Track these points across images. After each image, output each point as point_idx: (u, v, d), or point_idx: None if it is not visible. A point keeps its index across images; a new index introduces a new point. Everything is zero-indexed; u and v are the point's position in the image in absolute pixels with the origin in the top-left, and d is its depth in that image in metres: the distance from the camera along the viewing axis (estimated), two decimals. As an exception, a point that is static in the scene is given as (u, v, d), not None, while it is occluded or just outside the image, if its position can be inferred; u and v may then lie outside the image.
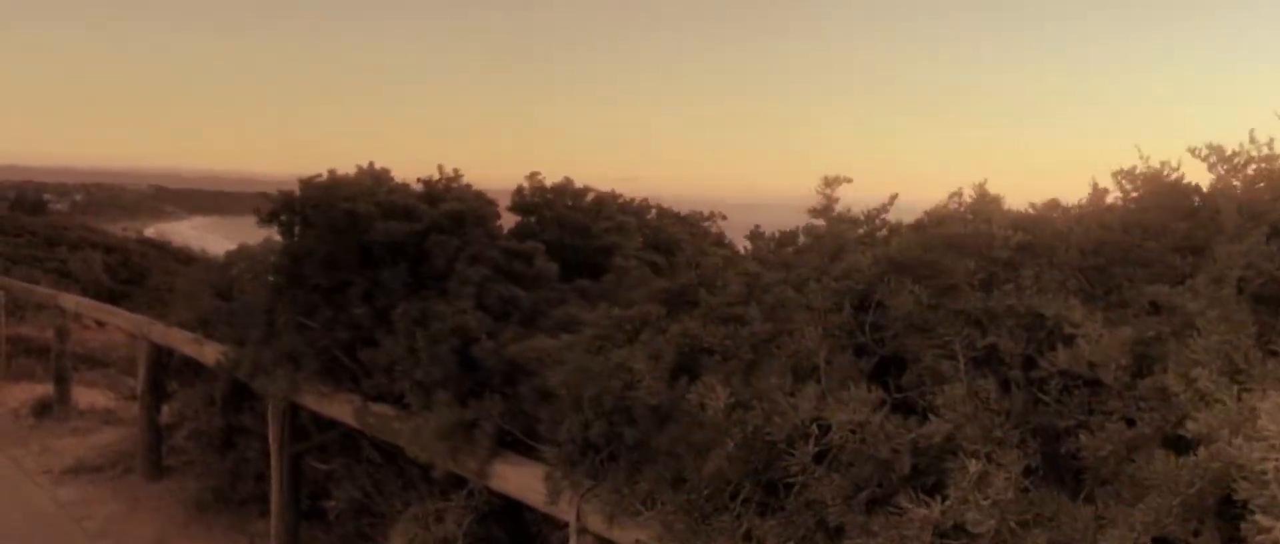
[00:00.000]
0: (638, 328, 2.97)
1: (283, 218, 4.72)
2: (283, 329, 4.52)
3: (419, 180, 4.49)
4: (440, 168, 4.52)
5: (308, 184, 4.47)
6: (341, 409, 4.40)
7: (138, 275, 19.60)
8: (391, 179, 4.65)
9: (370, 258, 4.04)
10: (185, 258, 28.59)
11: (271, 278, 5.16)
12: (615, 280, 4.05)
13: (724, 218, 7.03)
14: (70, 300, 9.06)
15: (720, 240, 6.91)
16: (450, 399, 3.51)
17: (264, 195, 4.89)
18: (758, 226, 3.25)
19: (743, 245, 7.01)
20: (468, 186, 4.55)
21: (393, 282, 3.83)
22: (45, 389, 10.75)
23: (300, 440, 4.99)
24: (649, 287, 3.29)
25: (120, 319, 7.63)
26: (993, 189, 2.79)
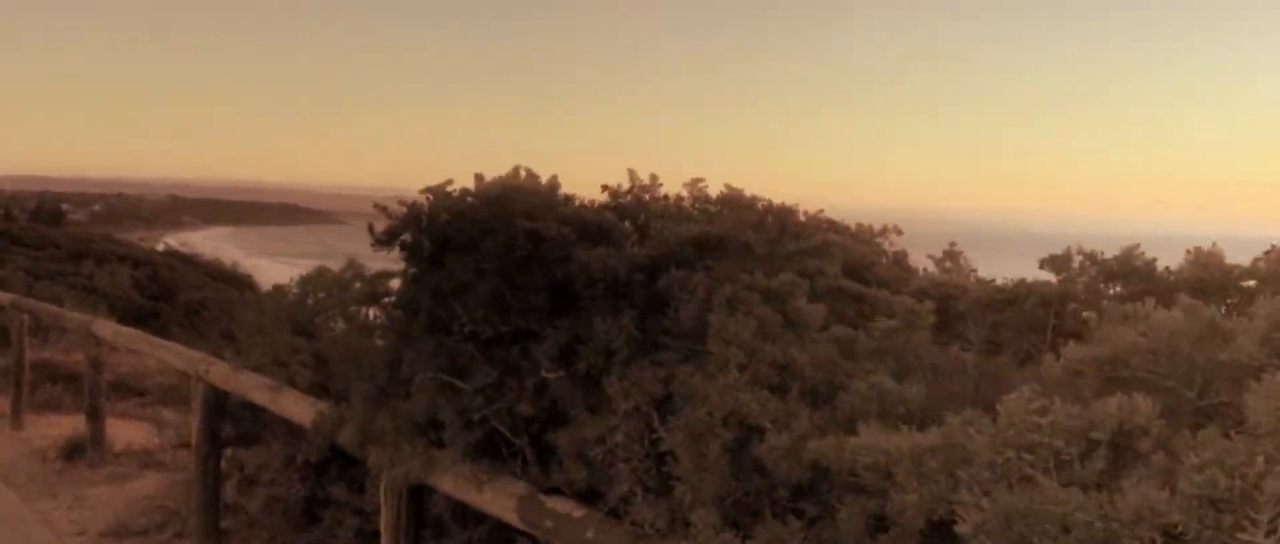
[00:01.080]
0: (1129, 434, 1.77)
1: (408, 239, 3.53)
2: (416, 389, 3.34)
3: (605, 189, 3.30)
4: (632, 174, 3.32)
5: (441, 194, 3.28)
6: (501, 503, 3.21)
7: (167, 291, 18.48)
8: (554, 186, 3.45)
9: (566, 300, 2.85)
10: (214, 272, 27.40)
11: (386, 315, 3.99)
12: (903, 328, 2.84)
13: (900, 232, 5.82)
14: (107, 328, 7.90)
15: (904, 261, 5.71)
16: (719, 522, 2.32)
17: (381, 209, 3.71)
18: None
19: (924, 266, 5.80)
20: (665, 196, 3.37)
21: (612, 337, 2.63)
22: (74, 423, 9.68)
23: (427, 532, 3.80)
24: (1078, 347, 2.07)
25: (170, 354, 6.46)
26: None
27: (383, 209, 3.75)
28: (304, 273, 5.53)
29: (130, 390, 12.06)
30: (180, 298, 17.89)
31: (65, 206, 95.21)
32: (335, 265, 5.31)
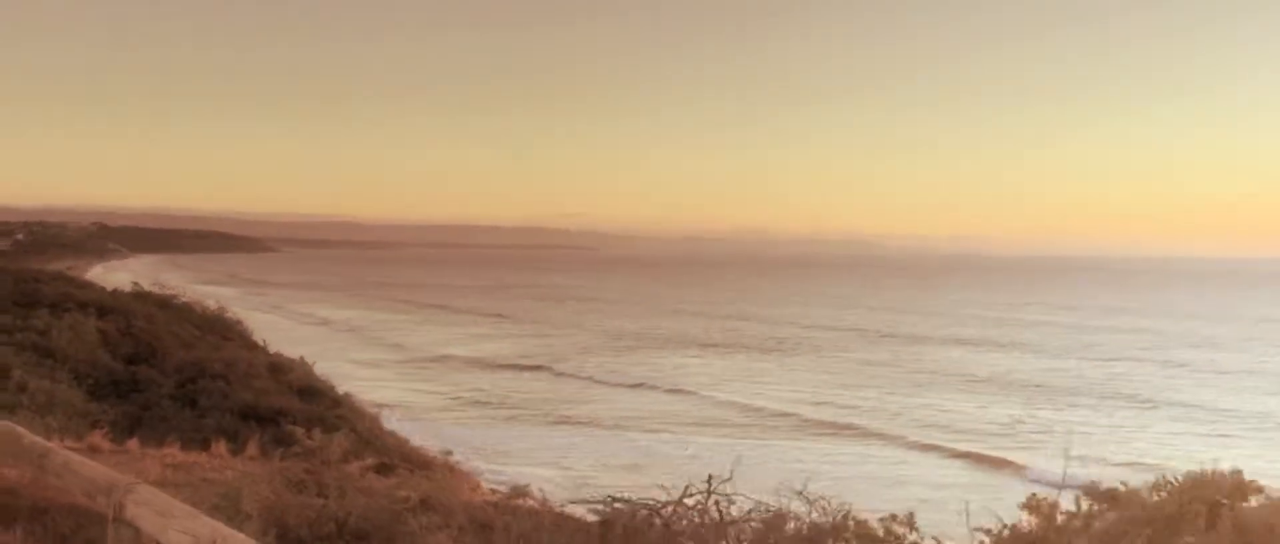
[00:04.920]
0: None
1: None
2: None
3: None
4: None
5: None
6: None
7: (148, 350, 13.80)
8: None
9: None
10: (201, 320, 21.76)
11: None
12: None
13: None
14: (158, 519, 3.56)
15: None
16: None
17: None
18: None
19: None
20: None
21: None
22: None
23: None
24: None
25: None
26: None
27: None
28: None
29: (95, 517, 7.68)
30: (168, 360, 13.32)
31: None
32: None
